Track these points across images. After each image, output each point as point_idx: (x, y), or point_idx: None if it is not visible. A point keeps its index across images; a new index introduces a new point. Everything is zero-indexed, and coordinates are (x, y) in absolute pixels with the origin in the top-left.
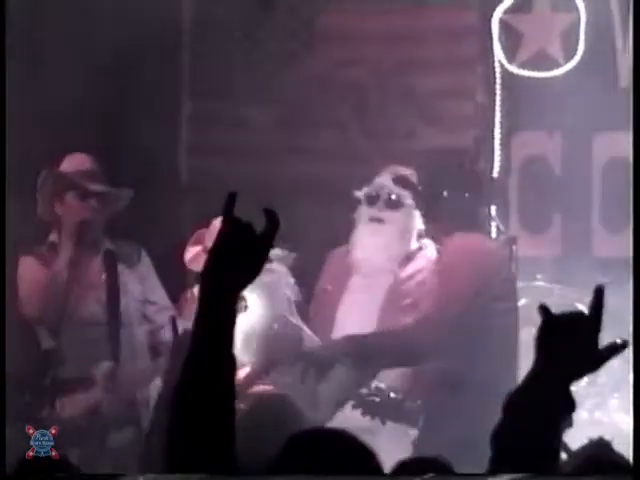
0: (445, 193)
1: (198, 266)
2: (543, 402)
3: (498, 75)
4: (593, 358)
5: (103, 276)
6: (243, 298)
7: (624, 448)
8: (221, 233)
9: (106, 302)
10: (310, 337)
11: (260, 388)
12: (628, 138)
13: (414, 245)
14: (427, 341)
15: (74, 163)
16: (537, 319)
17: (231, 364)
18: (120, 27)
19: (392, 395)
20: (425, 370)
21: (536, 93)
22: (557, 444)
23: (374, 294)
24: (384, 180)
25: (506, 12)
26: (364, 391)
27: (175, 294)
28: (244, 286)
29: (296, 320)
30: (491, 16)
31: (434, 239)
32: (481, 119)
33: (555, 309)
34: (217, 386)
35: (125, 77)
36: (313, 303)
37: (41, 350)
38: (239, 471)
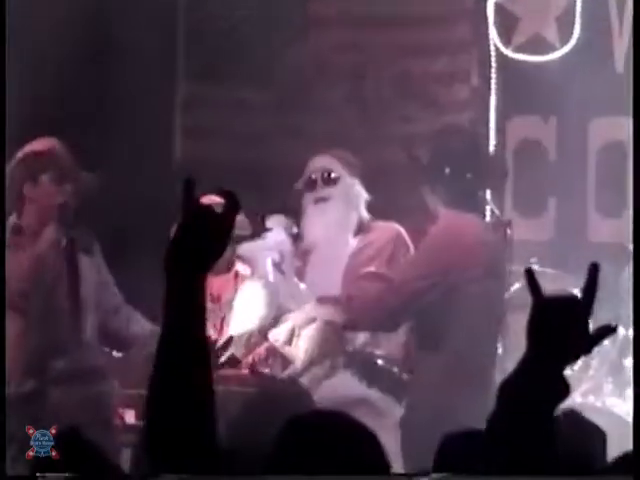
0: (447, 170)
1: None
2: (537, 387)
3: (493, 59)
4: (585, 341)
5: (65, 262)
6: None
7: (617, 432)
8: (182, 218)
9: (67, 288)
10: (293, 294)
11: (269, 372)
12: (624, 122)
13: (364, 214)
14: (396, 308)
15: (47, 145)
16: (528, 303)
17: (204, 348)
18: (116, 8)
19: (380, 362)
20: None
21: (531, 77)
22: (552, 429)
23: (333, 265)
24: (315, 163)
25: None
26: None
27: None
28: (208, 268)
29: (278, 279)
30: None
31: (430, 214)
32: (476, 103)
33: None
34: (192, 372)
35: (120, 59)
36: None
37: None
38: (222, 459)
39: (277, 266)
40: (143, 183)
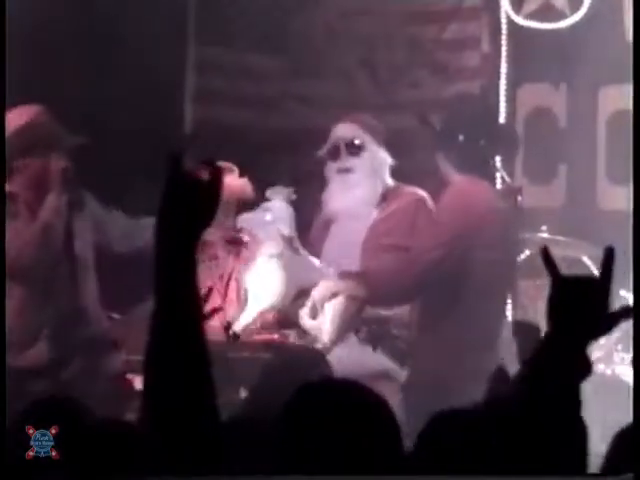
0: (461, 137)
1: None
2: (559, 366)
3: (504, 26)
4: (605, 321)
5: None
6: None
7: (625, 401)
8: (168, 191)
9: (63, 247)
10: (310, 268)
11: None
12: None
13: (389, 182)
14: (414, 280)
15: (31, 116)
16: (540, 271)
17: (198, 317)
18: None
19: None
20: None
21: (542, 45)
22: (575, 409)
23: (353, 237)
24: (339, 131)
25: None
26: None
27: None
28: (198, 237)
29: (291, 255)
30: None
31: (443, 181)
32: (487, 70)
33: (559, 261)
34: (188, 344)
35: (129, 24)
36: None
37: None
38: (223, 428)
39: (289, 241)
40: (152, 147)
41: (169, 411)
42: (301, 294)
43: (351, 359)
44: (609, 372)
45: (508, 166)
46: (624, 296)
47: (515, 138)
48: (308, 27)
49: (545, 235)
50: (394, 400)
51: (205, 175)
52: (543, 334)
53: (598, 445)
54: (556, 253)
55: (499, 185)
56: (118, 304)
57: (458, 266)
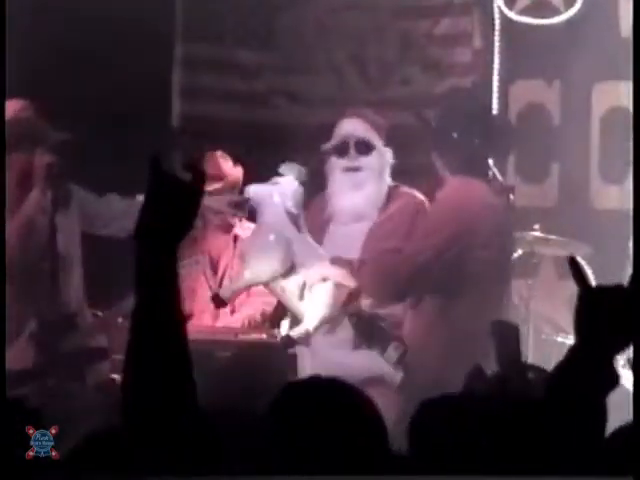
0: (455, 135)
1: None
2: (587, 377)
3: (497, 21)
4: (633, 331)
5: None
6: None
7: (624, 404)
8: (149, 192)
9: (46, 243)
10: (306, 249)
11: (250, 336)
12: (628, 87)
13: (389, 182)
14: (407, 278)
15: (16, 111)
16: (532, 270)
17: (180, 322)
18: None
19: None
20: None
21: (535, 40)
22: (602, 420)
23: (354, 239)
24: (348, 127)
25: None
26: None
27: None
28: (179, 239)
29: (293, 233)
30: None
31: (438, 179)
32: (479, 66)
33: (552, 260)
34: (168, 345)
35: (117, 20)
36: None
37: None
38: (204, 427)
39: (293, 218)
40: (139, 143)
41: (149, 411)
42: (292, 271)
43: (343, 360)
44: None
45: (500, 164)
46: None
47: (509, 129)
48: (297, 22)
49: (538, 234)
50: (389, 402)
51: (187, 177)
52: (571, 344)
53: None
54: (549, 253)
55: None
56: (104, 300)
57: (452, 266)
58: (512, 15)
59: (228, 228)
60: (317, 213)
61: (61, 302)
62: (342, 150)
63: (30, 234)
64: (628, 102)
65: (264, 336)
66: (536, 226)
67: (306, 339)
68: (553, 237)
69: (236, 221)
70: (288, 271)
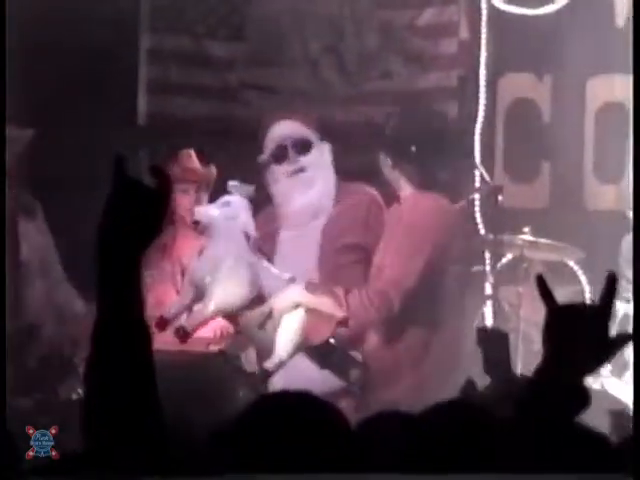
0: (413, 148)
1: None
2: (555, 397)
3: (484, 11)
4: (603, 350)
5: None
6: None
7: (613, 413)
8: (112, 196)
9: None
10: (269, 275)
11: (200, 348)
12: (624, 81)
13: (334, 177)
14: (394, 307)
15: None
16: (522, 276)
17: (144, 333)
18: None
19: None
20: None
21: (525, 31)
22: (570, 440)
23: (310, 239)
24: (280, 130)
25: None
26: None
27: None
28: (143, 245)
29: (253, 257)
30: None
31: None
32: (465, 59)
33: (543, 265)
34: (132, 356)
35: (80, 11)
36: None
37: None
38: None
39: (249, 241)
40: (105, 139)
41: (112, 422)
42: (257, 300)
43: (300, 377)
44: (597, 386)
45: (488, 163)
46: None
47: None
48: (271, 12)
49: (528, 237)
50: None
51: (152, 182)
52: (538, 363)
53: None
54: (539, 257)
55: (478, 183)
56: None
57: (433, 287)
58: (500, 4)
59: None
60: (265, 225)
61: (22, 312)
62: (280, 155)
63: None
64: (624, 97)
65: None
66: (526, 229)
67: (282, 367)
68: (544, 240)
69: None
70: (255, 300)
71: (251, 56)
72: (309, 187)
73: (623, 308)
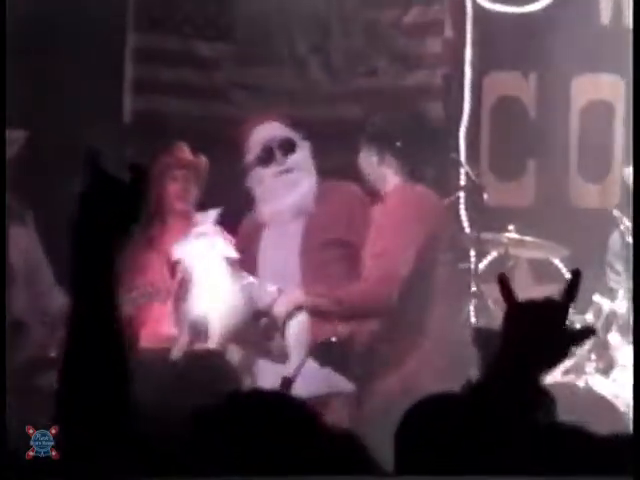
0: (399, 143)
1: None
2: (511, 395)
3: (469, 10)
4: (562, 346)
5: None
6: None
7: (601, 413)
8: (86, 190)
9: None
10: (259, 290)
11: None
12: (609, 80)
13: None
14: (381, 299)
15: None
16: (508, 273)
17: (117, 330)
18: None
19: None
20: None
21: (510, 30)
22: (528, 438)
23: (293, 235)
24: (265, 132)
25: None
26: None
27: None
28: (119, 242)
29: (239, 278)
30: None
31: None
32: (450, 57)
33: (527, 263)
34: (104, 352)
35: (65, 11)
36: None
37: None
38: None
39: (234, 266)
40: (90, 138)
41: (83, 410)
42: (256, 315)
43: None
44: (581, 384)
45: (473, 161)
46: (597, 301)
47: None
48: (257, 11)
49: (513, 235)
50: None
51: (129, 178)
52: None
53: None
54: (524, 255)
55: (463, 182)
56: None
57: (424, 275)
58: (485, 3)
59: (188, 229)
60: (247, 231)
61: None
62: (267, 157)
63: None
64: (609, 95)
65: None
66: (511, 227)
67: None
68: (529, 238)
69: (198, 220)
70: (255, 314)
71: (238, 55)
72: (294, 187)
73: (607, 305)
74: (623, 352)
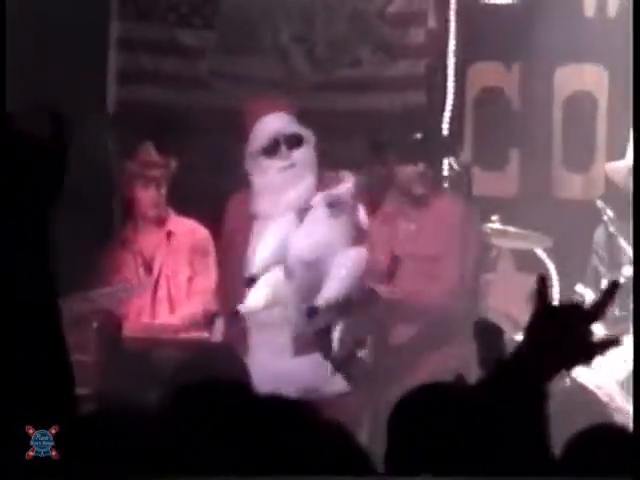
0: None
1: None
2: (514, 395)
3: (453, 0)
4: (585, 353)
5: None
6: None
7: (583, 403)
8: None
9: None
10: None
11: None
12: (592, 70)
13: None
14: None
15: None
16: (489, 264)
17: (51, 300)
18: None
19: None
20: None
21: (494, 20)
22: (526, 441)
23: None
24: (274, 124)
25: None
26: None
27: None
28: (44, 201)
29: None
30: None
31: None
32: (433, 48)
33: (510, 254)
34: (40, 327)
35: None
36: (222, 245)
37: None
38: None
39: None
40: (74, 128)
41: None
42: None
43: (282, 368)
44: (568, 381)
45: (456, 151)
46: (580, 292)
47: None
48: (241, 0)
49: (496, 226)
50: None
51: (43, 130)
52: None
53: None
54: (507, 245)
55: (446, 172)
56: None
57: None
58: None
59: (161, 223)
60: (240, 211)
61: None
62: (272, 150)
63: None
64: (592, 86)
65: (205, 334)
66: (494, 217)
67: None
68: (512, 229)
69: (170, 216)
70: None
71: (222, 44)
72: (297, 183)
73: (590, 295)
74: None
